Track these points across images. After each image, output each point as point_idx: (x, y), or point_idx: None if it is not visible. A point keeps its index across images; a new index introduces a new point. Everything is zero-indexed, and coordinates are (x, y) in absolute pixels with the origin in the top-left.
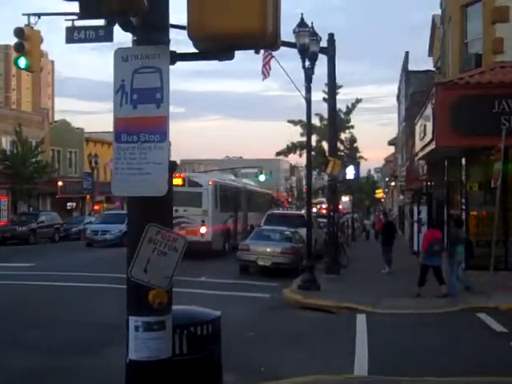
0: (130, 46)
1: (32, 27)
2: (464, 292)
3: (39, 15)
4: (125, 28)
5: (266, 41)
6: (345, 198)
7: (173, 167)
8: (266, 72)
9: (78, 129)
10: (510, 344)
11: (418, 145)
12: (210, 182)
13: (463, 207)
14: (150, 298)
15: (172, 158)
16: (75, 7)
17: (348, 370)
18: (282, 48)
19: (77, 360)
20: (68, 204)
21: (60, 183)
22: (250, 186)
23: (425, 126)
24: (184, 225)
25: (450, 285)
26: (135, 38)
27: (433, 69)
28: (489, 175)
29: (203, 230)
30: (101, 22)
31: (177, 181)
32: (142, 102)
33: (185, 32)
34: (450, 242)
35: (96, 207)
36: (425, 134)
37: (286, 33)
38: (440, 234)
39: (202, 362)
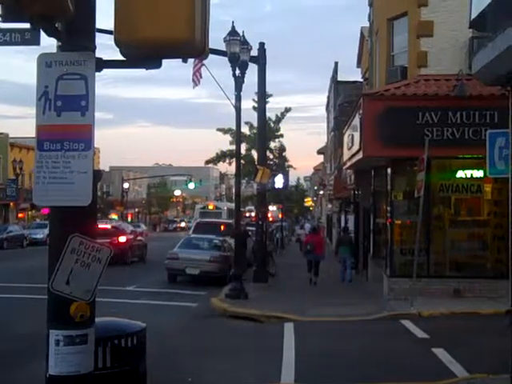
0: (55, 51)
1: None
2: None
3: None
4: (49, 33)
5: (193, 49)
6: (272, 207)
7: (98, 176)
8: (196, 80)
9: (1, 134)
10: (431, 350)
11: (346, 154)
12: (225, 207)
13: (388, 216)
14: (71, 311)
15: (101, 166)
16: None
17: (275, 379)
18: (213, 55)
19: None
20: None
21: None
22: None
23: (352, 135)
24: None
25: (340, 274)
26: (60, 43)
27: (361, 80)
28: (413, 185)
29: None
30: (27, 25)
31: (210, 206)
32: (66, 110)
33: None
34: (337, 244)
35: (20, 215)
36: (352, 144)
37: (217, 40)
38: (316, 238)
39: (126, 374)
